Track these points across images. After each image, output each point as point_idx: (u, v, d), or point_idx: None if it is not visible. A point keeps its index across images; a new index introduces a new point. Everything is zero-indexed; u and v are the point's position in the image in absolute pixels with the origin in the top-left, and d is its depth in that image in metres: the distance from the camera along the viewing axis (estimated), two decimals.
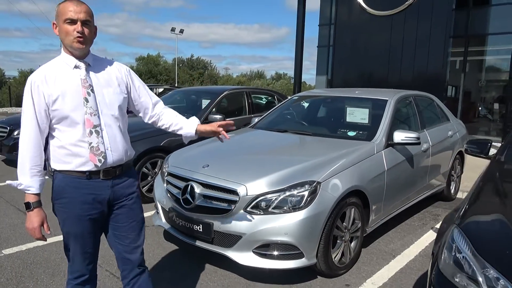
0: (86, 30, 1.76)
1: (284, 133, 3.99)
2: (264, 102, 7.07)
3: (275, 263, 2.71)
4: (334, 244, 2.93)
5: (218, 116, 5.32)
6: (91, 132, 1.78)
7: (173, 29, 35.54)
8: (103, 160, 1.80)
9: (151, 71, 46.19)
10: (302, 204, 2.70)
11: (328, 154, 3.18)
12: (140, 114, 2.07)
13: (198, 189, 2.92)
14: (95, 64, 1.86)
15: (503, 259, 1.59)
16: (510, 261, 1.57)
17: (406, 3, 10.38)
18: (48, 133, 1.83)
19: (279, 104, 4.91)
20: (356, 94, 4.48)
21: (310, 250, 2.72)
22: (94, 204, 1.84)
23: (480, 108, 12.20)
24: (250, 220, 2.71)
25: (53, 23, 1.78)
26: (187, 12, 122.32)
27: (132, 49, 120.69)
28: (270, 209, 2.71)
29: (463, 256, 1.71)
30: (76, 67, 1.79)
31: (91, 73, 1.83)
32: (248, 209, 2.74)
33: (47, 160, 1.86)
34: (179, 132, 2.11)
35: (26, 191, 1.77)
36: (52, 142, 1.83)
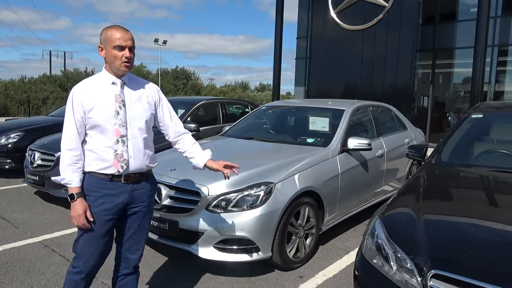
0: (132, 56, 2.03)
1: (249, 140, 4.30)
2: (239, 112, 7.39)
3: (233, 257, 2.99)
4: (289, 240, 3.24)
5: (192, 125, 5.60)
6: (117, 141, 2.03)
7: (156, 40, 35.81)
8: (125, 166, 2.04)
9: None
10: (258, 202, 3.00)
11: (285, 159, 3.50)
12: (162, 130, 2.32)
13: (164, 191, 3.19)
14: (130, 82, 2.12)
15: (407, 243, 1.91)
16: (412, 244, 1.89)
17: (376, 18, 10.95)
18: (84, 139, 2.08)
19: (249, 114, 5.24)
20: (318, 105, 4.85)
21: (266, 244, 3.01)
22: (112, 206, 2.05)
23: (450, 118, 12.82)
24: (211, 218, 2.99)
25: (99, 47, 2.04)
26: (172, 23, 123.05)
27: None
28: (229, 208, 3.00)
29: (380, 242, 2.03)
30: (113, 83, 2.06)
31: (125, 89, 2.08)
32: (210, 208, 3.02)
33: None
34: (190, 160, 2.39)
35: (68, 185, 2.01)
36: (85, 147, 2.08)
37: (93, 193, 2.03)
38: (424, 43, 11.62)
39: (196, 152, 2.37)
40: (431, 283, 1.69)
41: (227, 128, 4.97)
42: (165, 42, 35.91)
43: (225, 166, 2.37)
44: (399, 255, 1.89)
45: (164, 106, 2.26)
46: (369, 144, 3.91)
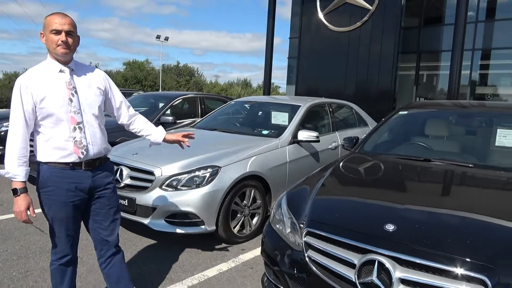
0: (69, 40, 2.00)
1: (212, 131, 4.76)
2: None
3: (182, 229, 3.44)
4: (234, 217, 3.69)
5: (169, 118, 6.06)
6: (74, 128, 2.04)
7: (158, 37, 36.41)
8: (85, 152, 2.07)
9: (136, 76, 46.68)
10: (203, 182, 3.45)
11: (235, 147, 3.95)
12: (114, 115, 2.37)
13: (126, 171, 3.65)
14: (77, 69, 2.12)
15: (298, 211, 2.34)
16: (301, 212, 2.31)
17: (360, 21, 11.34)
18: (35, 130, 2.06)
19: (219, 108, 5.69)
20: (279, 101, 5.29)
21: (210, 219, 3.46)
22: (77, 192, 2.08)
23: None
24: (163, 195, 3.44)
25: (41, 33, 2.02)
26: (179, 19, 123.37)
27: (122, 54, 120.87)
28: (179, 186, 3.46)
29: (282, 211, 2.47)
30: (61, 71, 2.04)
31: (74, 76, 2.08)
32: (163, 186, 3.48)
33: (33, 153, 2.08)
34: (147, 138, 2.44)
35: (13, 179, 1.98)
36: (38, 138, 2.06)
37: (55, 183, 2.05)
38: (409, 45, 12.01)
39: (151, 130, 2.44)
40: (305, 239, 2.13)
41: (198, 120, 5.43)
42: (166, 38, 36.43)
43: (183, 136, 2.50)
44: (292, 220, 2.33)
45: (115, 92, 2.30)
46: (317, 137, 4.35)
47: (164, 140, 2.47)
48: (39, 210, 2.16)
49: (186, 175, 3.48)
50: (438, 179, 2.66)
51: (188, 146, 2.58)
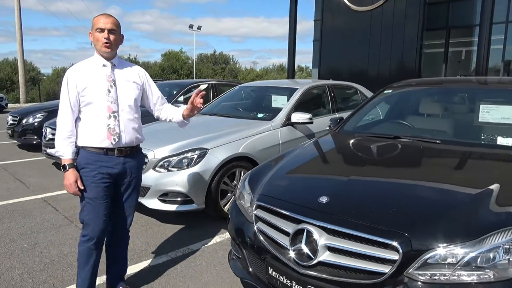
0: (112, 37, 2.24)
1: (212, 116, 4.97)
2: None
3: (173, 207, 3.71)
4: (224, 196, 3.90)
5: (180, 105, 6.34)
6: (110, 116, 2.25)
7: (191, 26, 36.95)
8: (117, 139, 2.28)
9: (173, 66, 47.86)
10: (192, 164, 3.69)
11: (228, 130, 4.13)
12: (151, 108, 2.58)
13: None
14: (119, 65, 2.37)
15: (256, 186, 2.49)
16: (258, 187, 2.46)
17: None
18: (77, 117, 2.30)
19: (223, 93, 5.89)
20: (279, 85, 5.39)
21: (198, 198, 3.70)
22: (108, 176, 2.28)
23: None
24: (156, 176, 3.72)
25: (90, 32, 2.30)
26: (217, 7, 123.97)
27: (163, 45, 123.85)
28: (170, 168, 3.71)
29: (244, 187, 2.63)
30: (104, 65, 2.29)
31: (115, 71, 2.32)
32: (156, 168, 3.75)
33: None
34: (173, 121, 2.61)
35: (61, 157, 2.25)
36: (79, 124, 2.31)
37: (90, 165, 2.26)
38: (437, 21, 11.47)
39: (173, 113, 2.60)
40: (255, 212, 2.29)
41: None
42: (199, 27, 36.91)
43: (193, 100, 2.47)
44: (251, 196, 2.48)
45: (152, 88, 2.53)
46: (310, 118, 4.43)
47: (184, 116, 2.57)
48: (59, 192, 2.45)
49: (176, 157, 3.73)
50: (392, 155, 2.69)
51: (202, 105, 2.53)
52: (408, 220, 1.81)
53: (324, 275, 1.86)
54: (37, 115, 7.73)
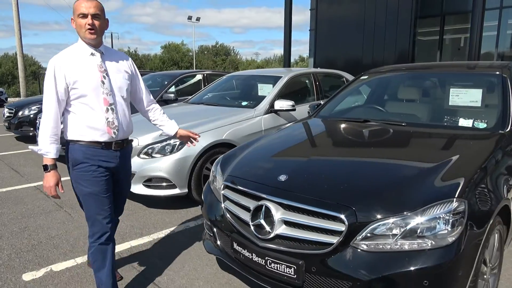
0: (96, 23, 2.06)
1: (199, 105, 5.09)
2: None
3: (157, 192, 3.85)
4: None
5: (171, 95, 6.47)
6: (107, 109, 2.12)
7: (189, 18, 36.84)
8: (117, 133, 2.16)
9: (173, 58, 47.86)
10: (174, 150, 3.81)
11: (211, 117, 4.25)
12: (135, 100, 2.44)
13: None
14: (107, 53, 2.19)
15: (226, 168, 2.62)
16: (227, 169, 2.59)
17: None
18: (65, 110, 2.12)
19: (212, 83, 5.99)
20: (265, 73, 5.48)
21: (181, 182, 3.83)
22: (106, 170, 2.18)
23: None
24: (140, 162, 3.85)
25: (71, 19, 2.10)
26: None
27: (165, 38, 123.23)
28: (153, 154, 3.85)
29: (217, 170, 2.75)
30: (92, 54, 2.11)
31: (105, 60, 2.16)
32: (140, 155, 3.89)
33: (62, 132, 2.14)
34: (161, 128, 2.56)
35: (44, 156, 2.06)
36: (69, 117, 2.12)
37: (89, 160, 2.11)
38: (431, 8, 11.45)
39: (165, 122, 2.55)
40: (223, 192, 2.42)
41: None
42: (198, 19, 36.79)
43: (188, 138, 2.62)
44: (222, 177, 2.61)
45: (139, 79, 2.40)
46: (293, 106, 4.54)
47: (176, 135, 2.58)
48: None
49: (159, 144, 3.86)
50: (356, 137, 2.81)
51: (197, 141, 2.72)
52: (355, 195, 1.93)
53: (281, 247, 1.99)
54: (32, 107, 7.88)
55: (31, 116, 7.76)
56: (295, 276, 1.95)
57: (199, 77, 7.44)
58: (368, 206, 1.86)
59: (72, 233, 3.45)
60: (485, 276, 2.06)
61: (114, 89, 2.16)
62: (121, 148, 2.25)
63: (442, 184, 1.94)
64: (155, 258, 2.99)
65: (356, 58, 11.57)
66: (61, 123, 2.11)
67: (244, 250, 2.16)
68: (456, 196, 1.84)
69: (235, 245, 2.25)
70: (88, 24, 2.05)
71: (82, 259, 2.95)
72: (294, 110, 4.58)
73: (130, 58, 2.36)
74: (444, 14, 11.62)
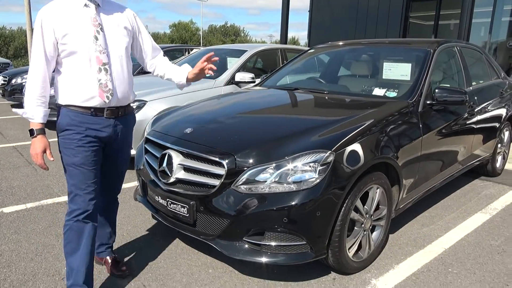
0: None
1: None
2: None
3: None
4: None
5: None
6: (100, 70, 1.82)
7: None
8: (110, 97, 1.86)
9: (182, 37, 47.88)
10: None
11: (168, 86, 4.49)
12: (142, 59, 2.13)
13: None
14: (104, 5, 1.90)
15: (154, 125, 2.88)
16: (156, 126, 2.85)
17: None
18: (56, 70, 1.87)
19: (189, 54, 6.21)
20: (235, 48, 5.69)
21: (136, 145, 4.10)
22: (96, 140, 1.90)
23: None
24: None
25: None
26: None
27: (181, 17, 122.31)
28: None
29: (148, 126, 3.00)
30: (86, 5, 1.83)
31: (101, 13, 1.87)
32: None
33: (54, 95, 1.91)
34: (172, 80, 2.16)
35: (30, 119, 1.82)
36: (59, 78, 1.86)
37: (75, 127, 1.86)
38: None
39: (173, 72, 2.17)
40: (145, 145, 2.68)
41: None
42: None
43: (203, 63, 2.09)
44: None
45: (143, 33, 2.08)
46: (253, 78, 4.75)
47: (188, 79, 2.14)
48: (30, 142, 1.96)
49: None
50: (277, 101, 3.05)
51: (215, 69, 2.15)
52: (239, 145, 2.18)
53: (179, 190, 2.26)
54: (25, 76, 8.20)
55: (23, 84, 8.09)
56: (188, 214, 2.22)
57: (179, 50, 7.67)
58: (247, 155, 2.11)
59: (32, 184, 3.77)
60: (362, 225, 2.30)
61: (109, 46, 1.86)
62: (116, 116, 1.95)
63: (316, 139, 2.17)
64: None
65: (349, 39, 11.59)
66: (51, 85, 1.90)
67: (153, 194, 2.44)
68: (324, 148, 2.08)
69: (149, 191, 2.53)
70: None
71: (33, 204, 3.27)
72: (254, 82, 4.79)
73: (132, 12, 2.04)
74: None
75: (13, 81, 8.29)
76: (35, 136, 1.84)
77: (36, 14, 1.84)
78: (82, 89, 1.83)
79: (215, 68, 2.12)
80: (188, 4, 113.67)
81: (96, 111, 1.88)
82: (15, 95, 8.27)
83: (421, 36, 12.05)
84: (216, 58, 2.13)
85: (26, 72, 8.39)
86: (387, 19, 10.65)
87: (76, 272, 1.90)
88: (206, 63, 2.08)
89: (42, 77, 1.81)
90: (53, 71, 1.89)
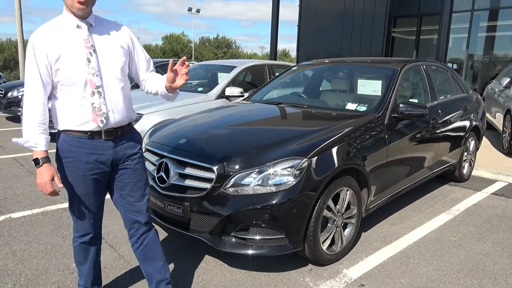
0: None
1: None
2: None
3: None
4: None
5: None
6: (93, 93, 1.78)
7: (189, 9, 37.33)
8: (105, 121, 1.81)
9: (174, 49, 48.37)
10: None
11: (160, 100, 4.83)
12: (137, 77, 2.04)
13: None
14: (97, 25, 1.85)
15: (152, 135, 3.22)
16: (154, 137, 3.19)
17: None
18: (52, 94, 1.84)
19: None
20: (225, 64, 6.08)
21: None
22: (97, 165, 1.84)
23: None
24: None
25: None
26: None
27: (172, 29, 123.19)
28: None
29: (146, 137, 3.35)
30: (78, 27, 1.78)
31: (93, 34, 1.82)
32: None
33: (51, 120, 1.86)
34: (159, 95, 2.04)
35: (33, 148, 1.76)
36: (56, 103, 1.84)
37: (72, 153, 1.83)
38: (408, 9, 11.95)
39: (157, 84, 2.01)
40: (145, 154, 3.01)
41: None
42: (198, 10, 37.30)
43: (176, 69, 1.91)
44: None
45: (138, 50, 2.00)
46: (242, 92, 5.13)
47: (167, 88, 1.96)
48: (30, 153, 1.88)
49: None
50: (262, 114, 3.42)
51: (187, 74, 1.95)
52: (228, 153, 2.53)
53: (174, 194, 2.59)
54: (21, 89, 8.48)
55: (20, 97, 8.36)
56: (183, 214, 2.55)
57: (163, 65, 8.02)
58: (234, 161, 2.45)
59: (36, 193, 4.06)
60: (335, 222, 2.65)
61: (103, 68, 1.82)
62: (115, 137, 1.89)
63: (295, 147, 2.53)
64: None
65: (336, 52, 12.10)
66: (49, 110, 1.84)
67: (153, 198, 2.76)
68: (300, 155, 2.43)
69: (150, 197, 2.85)
70: None
71: (38, 210, 3.56)
72: (243, 96, 5.16)
73: (127, 29, 1.97)
74: (422, 15, 12.11)
75: (9, 94, 8.56)
76: (41, 165, 1.79)
77: (27, 25, 1.90)
78: (76, 114, 1.80)
79: (187, 72, 1.93)
80: (180, 16, 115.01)
81: (93, 134, 1.84)
82: (11, 107, 8.54)
83: (404, 50, 12.64)
84: (187, 64, 1.94)
85: (22, 85, 8.69)
86: (371, 34, 11.20)
87: (85, 280, 2.15)
88: (179, 67, 1.90)
89: (41, 103, 1.77)
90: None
